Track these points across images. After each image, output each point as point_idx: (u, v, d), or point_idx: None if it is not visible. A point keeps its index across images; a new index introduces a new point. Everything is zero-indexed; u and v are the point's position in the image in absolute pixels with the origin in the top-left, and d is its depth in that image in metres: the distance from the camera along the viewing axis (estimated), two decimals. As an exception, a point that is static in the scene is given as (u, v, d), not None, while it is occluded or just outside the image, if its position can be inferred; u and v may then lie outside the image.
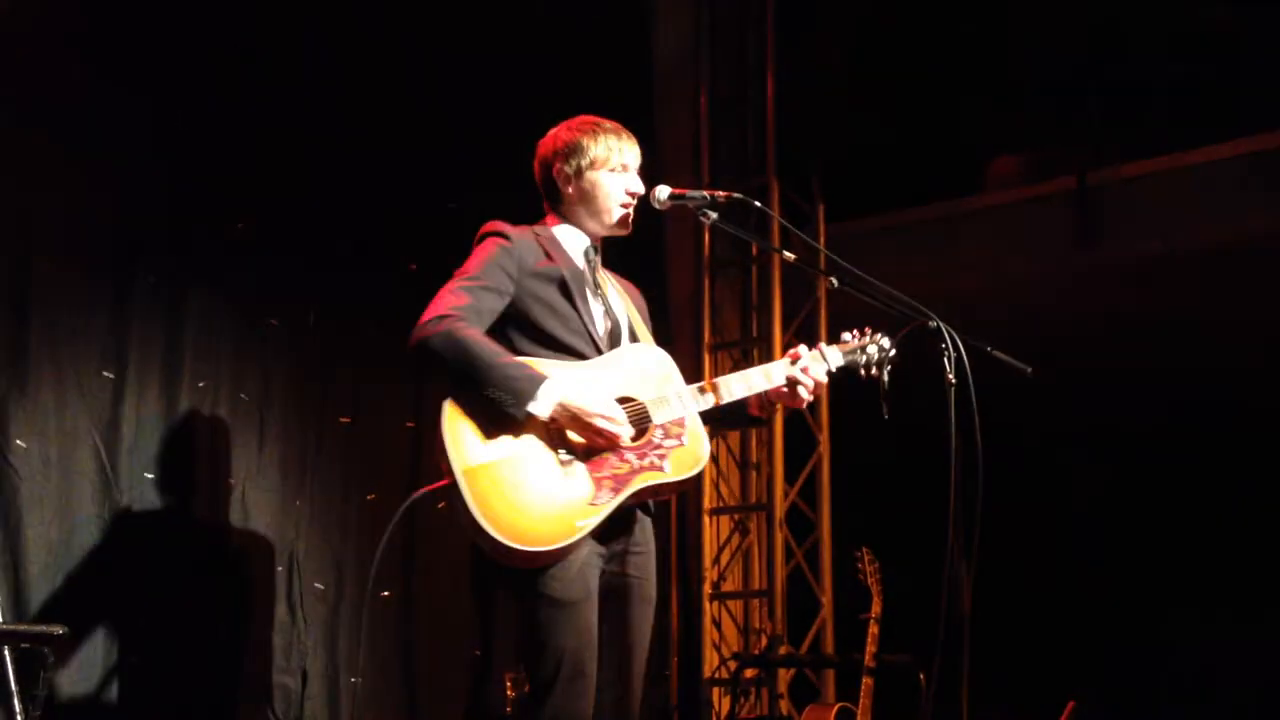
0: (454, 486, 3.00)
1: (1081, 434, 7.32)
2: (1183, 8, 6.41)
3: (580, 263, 3.37)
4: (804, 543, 6.71)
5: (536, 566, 3.05)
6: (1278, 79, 6.05)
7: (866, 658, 5.23)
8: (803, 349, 3.36)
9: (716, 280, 6.93)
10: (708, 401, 3.25)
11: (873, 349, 3.43)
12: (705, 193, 3.33)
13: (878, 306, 3.28)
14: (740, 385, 3.30)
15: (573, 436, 3.10)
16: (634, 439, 3.15)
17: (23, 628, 3.57)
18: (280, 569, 4.51)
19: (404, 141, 5.01)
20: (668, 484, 3.17)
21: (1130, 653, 6.99)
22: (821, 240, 6.80)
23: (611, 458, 3.12)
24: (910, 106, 6.92)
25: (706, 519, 6.75)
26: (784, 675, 6.45)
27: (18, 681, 3.39)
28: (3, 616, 3.70)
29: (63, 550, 3.96)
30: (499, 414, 3.04)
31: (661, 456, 3.16)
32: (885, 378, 3.40)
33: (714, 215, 3.33)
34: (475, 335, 3.09)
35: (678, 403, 3.21)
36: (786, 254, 3.47)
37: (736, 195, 3.33)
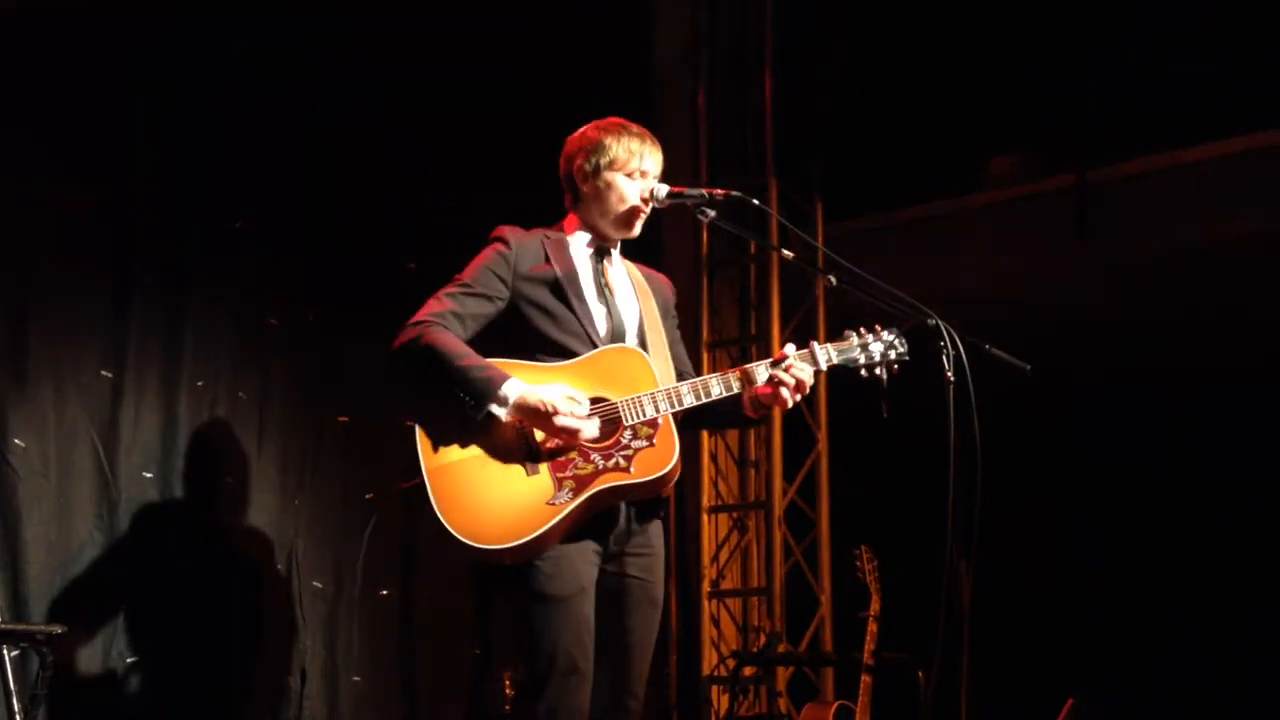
0: (421, 486, 3.07)
1: (1081, 431, 7.32)
2: (1182, 5, 6.40)
3: (585, 264, 3.39)
4: (803, 541, 6.72)
5: (501, 563, 3.09)
6: (1277, 76, 6.04)
7: (865, 656, 5.23)
8: (790, 348, 3.32)
9: (715, 278, 6.93)
10: (681, 403, 3.24)
11: (877, 346, 3.36)
12: (704, 191, 3.34)
13: (876, 305, 3.28)
14: (718, 387, 3.28)
15: (538, 435, 3.13)
16: (603, 440, 3.16)
17: (21, 627, 3.57)
18: (279, 568, 4.51)
19: (403, 141, 5.01)
20: (633, 485, 3.17)
21: (1130, 652, 6.99)
22: (820, 238, 6.80)
23: (576, 459, 3.14)
24: (909, 105, 6.91)
25: (705, 517, 6.75)
26: (783, 673, 6.46)
27: (16, 681, 3.40)
28: (1, 615, 3.71)
29: (61, 549, 3.97)
30: (465, 414, 3.09)
31: (628, 458, 3.17)
32: (884, 376, 3.39)
33: (712, 213, 3.35)
34: (445, 338, 3.14)
35: (650, 404, 3.21)
36: (785, 252, 3.47)
37: (735, 193, 3.33)
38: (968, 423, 3.08)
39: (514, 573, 3.11)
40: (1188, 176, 6.31)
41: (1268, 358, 6.57)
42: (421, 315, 3.19)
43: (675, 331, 3.53)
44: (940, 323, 3.18)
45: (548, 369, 3.22)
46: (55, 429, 4.01)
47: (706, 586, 6.67)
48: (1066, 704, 4.93)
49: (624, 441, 3.18)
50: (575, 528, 3.14)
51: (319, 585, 4.60)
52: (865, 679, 5.21)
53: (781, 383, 3.25)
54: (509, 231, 3.36)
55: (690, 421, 3.38)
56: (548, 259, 3.33)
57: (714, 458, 6.84)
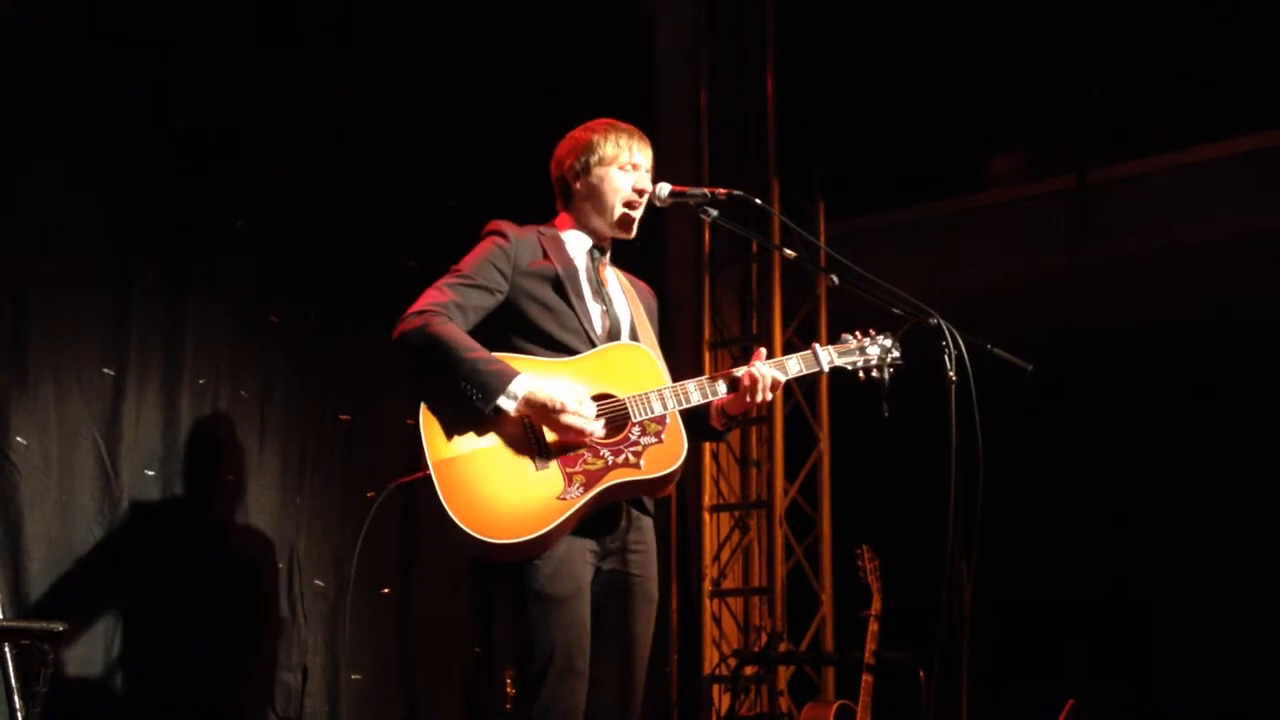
0: (428, 479, 3.04)
1: (1081, 430, 7.32)
2: (1183, 6, 6.41)
3: (582, 262, 3.40)
4: (804, 540, 6.72)
5: (508, 559, 3.07)
6: (1278, 77, 6.04)
7: (866, 655, 5.23)
8: (761, 351, 3.34)
9: (717, 278, 6.93)
10: (690, 400, 3.25)
11: (874, 350, 3.40)
12: (705, 190, 3.34)
13: (878, 304, 3.28)
14: (724, 385, 3.29)
15: (547, 431, 3.12)
16: (611, 436, 3.16)
17: (23, 624, 3.57)
18: (280, 566, 4.51)
19: (404, 139, 5.02)
20: (642, 481, 3.17)
21: (1130, 650, 7.00)
22: (822, 238, 6.80)
23: (585, 454, 3.13)
24: (910, 104, 6.91)
25: (707, 516, 6.75)
26: (784, 672, 6.46)
27: (18, 678, 3.39)
28: (3, 613, 3.71)
29: (63, 547, 3.96)
30: (472, 407, 3.07)
31: (638, 454, 3.17)
32: (886, 377, 3.40)
33: (714, 212, 3.34)
34: (450, 330, 3.12)
35: (658, 401, 3.21)
36: (786, 251, 3.47)
37: (736, 192, 3.34)
38: (969, 422, 3.08)
39: (512, 571, 3.10)
40: (1189, 177, 6.31)
41: (1267, 357, 6.57)
42: (423, 304, 3.16)
43: (657, 338, 3.53)
44: (942, 322, 3.19)
45: (555, 364, 3.21)
46: (56, 427, 4.00)
47: (708, 585, 6.67)
48: (1067, 704, 4.93)
49: (633, 438, 3.18)
50: (582, 523, 3.14)
51: (320, 583, 4.60)
52: (866, 678, 5.21)
53: (755, 381, 3.25)
54: (506, 226, 3.36)
55: None
56: (546, 255, 3.33)
57: (715, 457, 6.84)
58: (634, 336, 3.40)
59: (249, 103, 4.58)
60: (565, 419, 3.08)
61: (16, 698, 3.37)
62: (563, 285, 3.29)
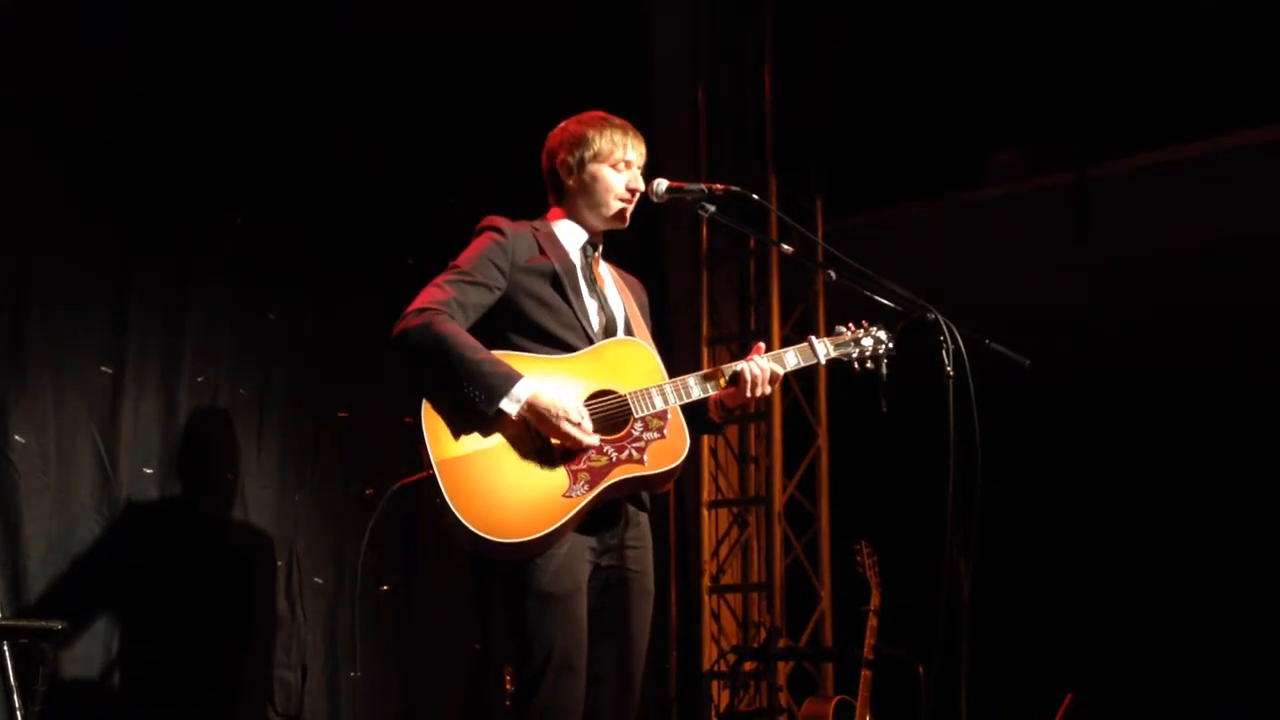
0: (431, 479, 3.03)
1: (1080, 427, 7.32)
2: (1183, 1, 6.40)
3: (576, 258, 3.39)
4: (803, 536, 6.72)
5: (514, 558, 3.07)
6: (1278, 72, 6.04)
7: (865, 651, 5.24)
8: (760, 346, 3.36)
9: (715, 274, 6.94)
10: (690, 395, 3.25)
11: (868, 341, 3.44)
12: (703, 186, 3.35)
13: (876, 300, 3.28)
14: (723, 379, 3.30)
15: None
16: (614, 433, 3.16)
17: (22, 623, 3.57)
18: (280, 564, 4.52)
19: (403, 137, 5.02)
20: (646, 477, 3.18)
21: (1130, 647, 7.00)
22: (820, 234, 6.80)
23: (590, 451, 3.13)
24: (908, 100, 6.91)
25: (705, 512, 6.76)
26: (783, 668, 6.46)
27: (17, 676, 3.40)
28: (1, 612, 3.71)
29: (62, 545, 3.96)
30: (474, 408, 3.07)
31: (641, 450, 3.18)
32: (884, 370, 3.40)
33: (712, 208, 3.35)
34: (453, 329, 3.12)
35: (659, 396, 3.22)
36: (784, 247, 3.48)
37: (734, 188, 3.34)
38: (967, 418, 3.08)
39: (511, 569, 3.10)
40: (1189, 172, 6.30)
41: (1271, 352, 6.57)
42: (424, 302, 3.15)
43: (651, 334, 3.53)
44: (940, 317, 3.19)
45: (555, 362, 3.21)
46: (55, 425, 4.00)
47: (707, 582, 6.68)
48: (1066, 699, 4.94)
49: (636, 434, 3.18)
50: (584, 522, 3.14)
51: (319, 581, 4.60)
52: (865, 674, 5.22)
53: (752, 375, 3.26)
54: (501, 221, 3.35)
55: None
56: (542, 251, 3.33)
57: (714, 453, 6.85)
58: (629, 332, 3.40)
59: (249, 102, 4.57)
60: (565, 428, 3.08)
61: (15, 696, 3.37)
62: (560, 281, 3.29)
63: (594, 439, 3.12)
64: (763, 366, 3.28)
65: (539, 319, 3.26)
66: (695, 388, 3.25)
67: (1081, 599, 7.11)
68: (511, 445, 3.11)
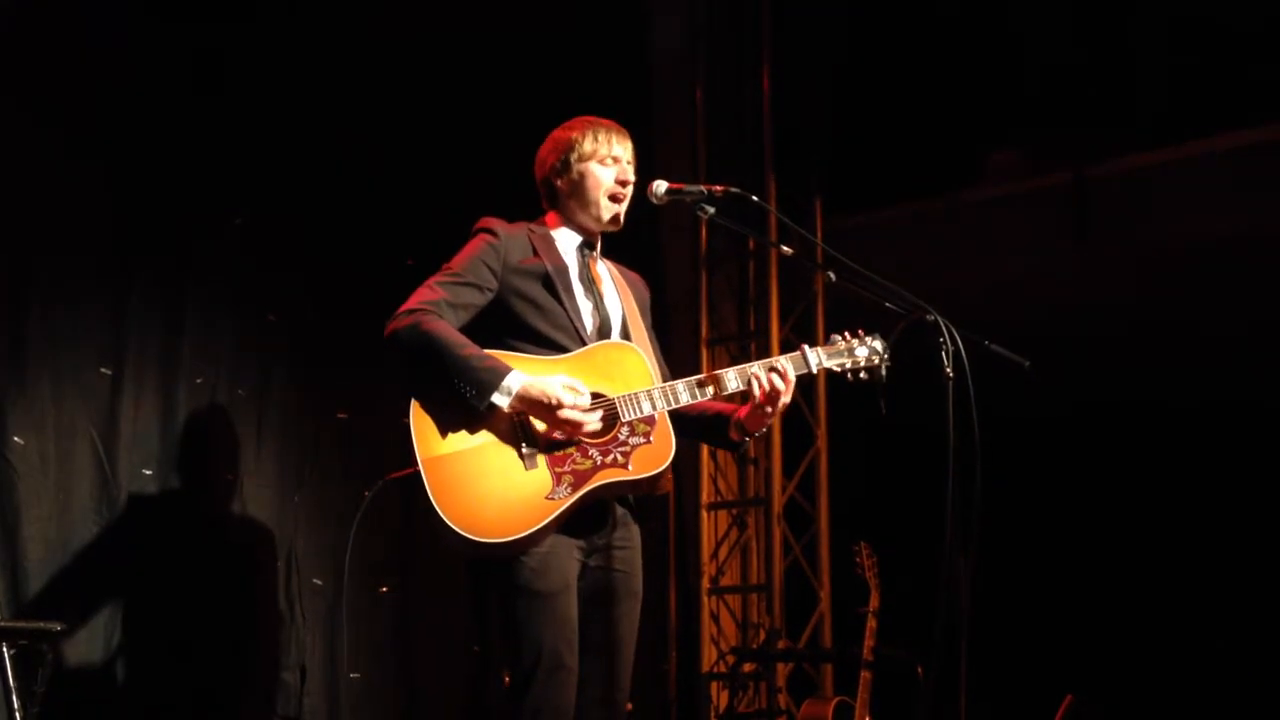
0: (417, 476, 3.05)
1: (1080, 428, 7.32)
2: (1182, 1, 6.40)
3: (572, 259, 3.41)
4: (802, 537, 6.72)
5: (495, 557, 3.08)
6: (1277, 71, 6.04)
7: (865, 652, 5.24)
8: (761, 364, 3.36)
9: (713, 275, 6.94)
10: (679, 400, 3.25)
11: (862, 351, 3.41)
12: (702, 187, 3.35)
13: (875, 300, 3.28)
14: (712, 388, 3.29)
15: (536, 425, 3.14)
16: (601, 435, 3.17)
17: (21, 624, 3.57)
18: (279, 565, 4.51)
19: (402, 138, 5.01)
20: (630, 481, 3.19)
21: (1130, 648, 7.00)
22: (819, 234, 6.79)
23: (574, 453, 3.15)
24: (907, 100, 6.91)
25: (705, 514, 6.75)
26: (782, 669, 6.46)
27: (16, 678, 3.39)
28: (1, 613, 3.70)
29: (61, 546, 3.96)
30: (464, 406, 3.09)
31: (626, 454, 3.18)
32: (883, 373, 3.40)
33: (711, 210, 3.35)
34: (442, 327, 3.13)
35: (647, 401, 3.22)
36: (783, 248, 3.48)
37: (733, 189, 3.34)
38: (967, 419, 3.08)
39: (499, 568, 3.11)
40: (1187, 172, 6.30)
41: (1269, 353, 6.57)
42: (414, 303, 3.18)
43: (651, 331, 3.54)
44: (939, 319, 3.18)
45: (545, 362, 3.22)
46: (54, 426, 4.00)
47: (706, 583, 6.68)
48: (1065, 700, 4.94)
49: (621, 438, 3.19)
50: (569, 521, 3.15)
51: (318, 582, 4.60)
52: (864, 675, 5.22)
53: (760, 387, 3.27)
54: (496, 223, 3.36)
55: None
56: (535, 252, 3.34)
57: (713, 454, 6.84)
58: (625, 332, 3.41)
59: (248, 101, 4.57)
60: (561, 414, 3.09)
61: (15, 697, 3.37)
62: (552, 282, 3.30)
63: (593, 417, 3.12)
64: (767, 375, 3.27)
65: (531, 320, 3.27)
66: (684, 393, 3.25)
67: (1081, 600, 7.11)
68: (498, 444, 3.12)
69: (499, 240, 3.32)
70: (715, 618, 6.71)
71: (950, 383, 3.12)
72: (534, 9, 5.59)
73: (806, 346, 3.39)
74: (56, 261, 4.07)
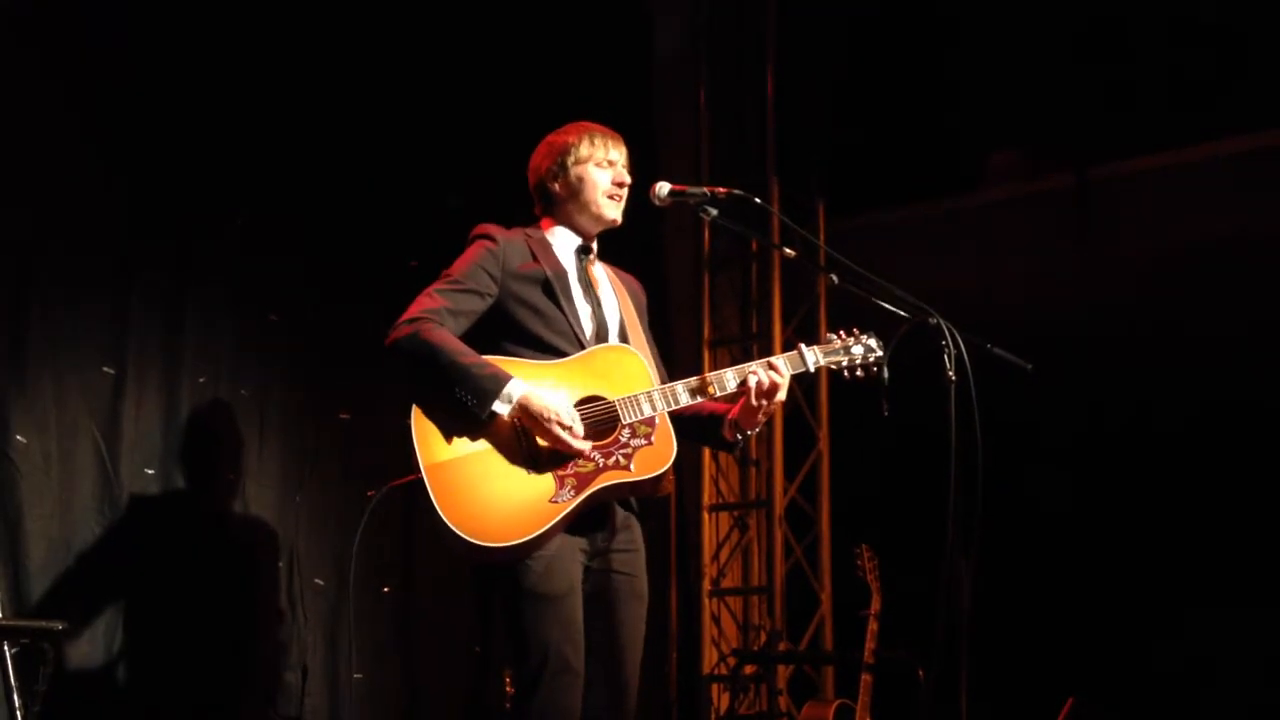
0: (420, 482, 3.07)
1: (1081, 429, 7.31)
2: (1184, 2, 6.40)
3: (570, 263, 3.41)
4: (803, 539, 6.72)
5: (499, 562, 3.09)
6: (1278, 74, 6.04)
7: (866, 654, 5.24)
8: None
9: (716, 277, 6.94)
10: (679, 402, 3.26)
11: (858, 349, 3.42)
12: (705, 189, 3.36)
13: (877, 303, 3.28)
14: (710, 388, 3.30)
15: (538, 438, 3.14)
16: (602, 439, 3.17)
17: (22, 623, 3.58)
18: (280, 565, 4.52)
19: (405, 138, 5.02)
20: (633, 483, 3.19)
21: (1129, 650, 6.99)
22: (821, 236, 6.80)
23: (578, 456, 3.14)
24: (909, 102, 6.91)
25: (706, 515, 6.75)
26: (783, 671, 6.46)
27: (17, 677, 3.40)
28: (2, 612, 3.71)
29: (63, 545, 3.97)
30: (465, 412, 3.09)
31: (628, 456, 3.19)
32: (885, 374, 3.40)
33: (714, 211, 3.35)
34: (443, 336, 3.15)
35: (647, 403, 3.22)
36: (786, 250, 3.48)
37: (736, 191, 3.35)
38: (969, 421, 3.08)
39: (505, 571, 3.12)
40: (1189, 175, 6.30)
41: (1270, 355, 6.57)
42: (415, 312, 3.19)
43: (649, 332, 3.54)
44: (941, 321, 3.19)
45: (543, 367, 3.23)
46: (57, 425, 4.01)
47: (707, 585, 6.68)
48: (1067, 703, 4.93)
49: (623, 440, 3.20)
50: (572, 526, 3.15)
51: (320, 582, 4.60)
52: (865, 677, 5.22)
53: (756, 384, 3.26)
54: (494, 229, 3.38)
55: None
56: (534, 257, 3.35)
57: (715, 457, 6.84)
58: (623, 335, 3.41)
59: (248, 99, 4.57)
60: (556, 431, 3.10)
61: (16, 696, 3.37)
62: (551, 287, 3.31)
63: (585, 445, 3.14)
64: (764, 371, 3.28)
65: (531, 326, 3.28)
66: (683, 395, 3.26)
67: (1083, 603, 7.11)
68: (499, 450, 3.13)
69: (498, 246, 3.33)
70: (716, 619, 6.71)
71: (952, 385, 3.12)
72: (535, 10, 5.60)
73: (803, 345, 3.40)
74: (58, 261, 4.07)
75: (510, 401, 3.09)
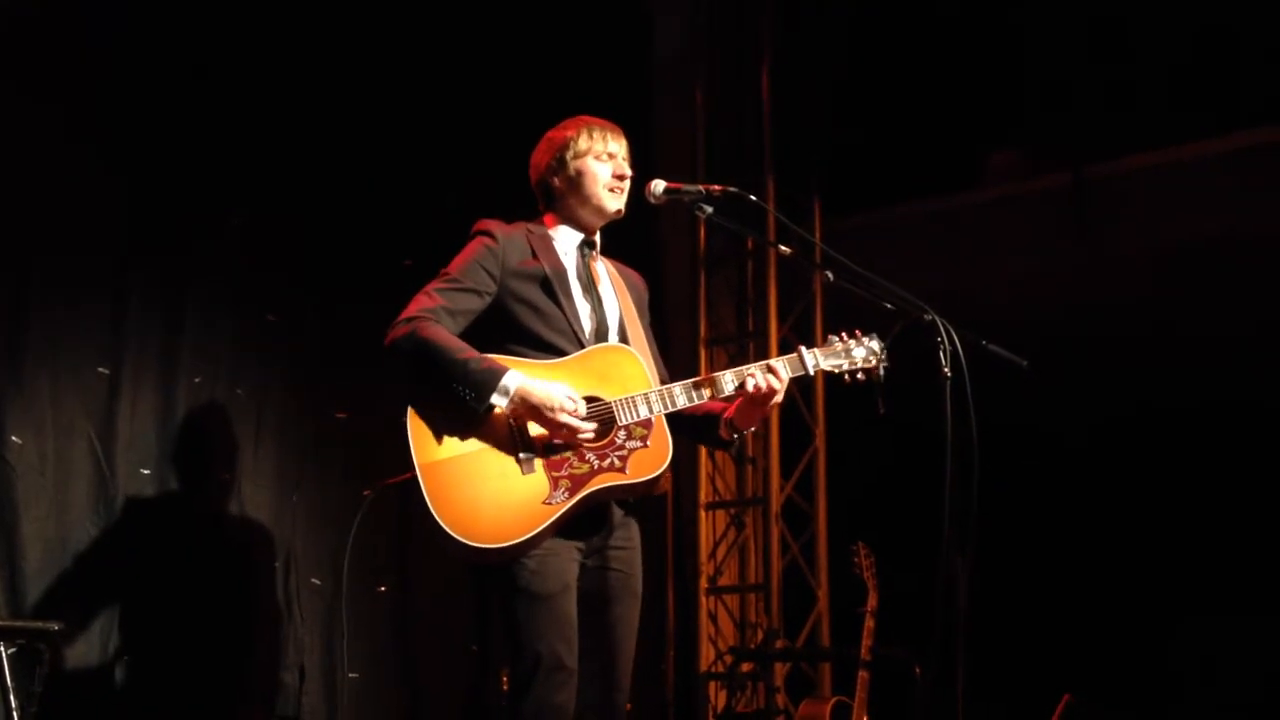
0: (414, 481, 3.06)
1: (1079, 428, 7.32)
2: (1181, 2, 6.40)
3: (571, 259, 3.41)
4: (800, 537, 6.72)
5: (492, 562, 3.09)
6: (1276, 72, 6.04)
7: (863, 651, 5.24)
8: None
9: (712, 275, 6.93)
10: (675, 404, 3.25)
11: (859, 352, 3.38)
12: (700, 187, 3.35)
13: (874, 300, 3.28)
14: (708, 390, 3.29)
15: (534, 430, 3.14)
16: (598, 439, 3.17)
17: (18, 624, 3.57)
18: (277, 565, 4.51)
19: (402, 138, 5.01)
20: (627, 485, 3.19)
21: (1128, 649, 7.00)
22: (817, 235, 6.79)
23: (572, 458, 3.15)
24: (907, 101, 6.91)
25: (703, 513, 6.75)
26: (780, 669, 6.47)
27: (13, 678, 3.39)
28: (-1, 612, 3.71)
29: (59, 546, 3.96)
30: (462, 411, 3.10)
31: (623, 458, 3.18)
32: (880, 375, 3.39)
33: (710, 209, 3.35)
34: (440, 333, 3.15)
35: (644, 405, 3.22)
36: (782, 248, 3.48)
37: (731, 189, 3.34)
38: (965, 419, 3.08)
39: (499, 570, 3.12)
40: (1186, 173, 6.31)
41: (1267, 353, 6.58)
42: (412, 311, 3.18)
43: (650, 329, 3.54)
44: (937, 318, 3.18)
45: (543, 366, 3.22)
46: (52, 425, 4.00)
47: (704, 583, 6.68)
48: (1062, 700, 4.94)
49: (619, 441, 3.19)
50: (567, 526, 3.15)
51: (317, 582, 4.60)
52: (862, 675, 5.22)
53: (754, 387, 3.25)
54: (494, 225, 3.36)
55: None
56: (534, 254, 3.34)
57: (711, 455, 6.84)
58: (623, 333, 3.40)
59: (245, 99, 4.57)
60: (560, 417, 3.09)
61: (13, 697, 3.37)
62: (551, 286, 3.30)
63: (589, 426, 3.13)
64: (762, 375, 3.27)
65: (529, 324, 3.28)
66: (680, 396, 3.25)
67: (1079, 600, 7.12)
68: (494, 449, 3.13)
69: (497, 243, 3.32)
70: (713, 617, 6.71)
71: (948, 382, 3.12)
72: (534, 10, 5.60)
73: (804, 348, 3.37)
74: (55, 261, 4.06)
75: (507, 394, 3.08)
